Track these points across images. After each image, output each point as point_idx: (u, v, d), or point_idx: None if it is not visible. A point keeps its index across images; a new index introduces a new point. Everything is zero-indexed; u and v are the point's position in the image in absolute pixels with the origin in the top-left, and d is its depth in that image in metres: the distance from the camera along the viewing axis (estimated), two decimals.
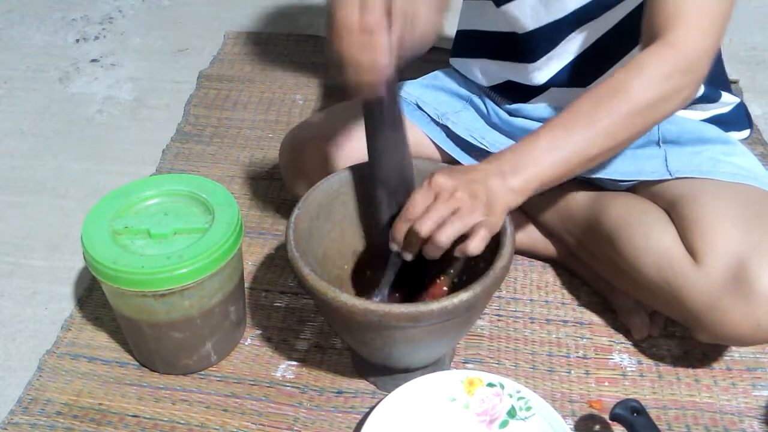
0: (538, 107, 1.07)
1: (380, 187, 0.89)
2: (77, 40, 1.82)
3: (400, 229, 0.82)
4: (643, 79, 0.84)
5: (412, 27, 0.76)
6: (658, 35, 0.85)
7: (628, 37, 0.97)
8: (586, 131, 0.84)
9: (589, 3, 0.95)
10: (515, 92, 1.09)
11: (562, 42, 1.00)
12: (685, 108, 0.91)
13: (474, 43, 1.12)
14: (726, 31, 0.86)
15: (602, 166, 1.02)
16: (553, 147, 0.84)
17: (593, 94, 0.85)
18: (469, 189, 0.80)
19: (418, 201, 0.81)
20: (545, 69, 1.03)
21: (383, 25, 0.74)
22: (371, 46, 0.74)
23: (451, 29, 1.18)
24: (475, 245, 0.80)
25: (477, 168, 0.84)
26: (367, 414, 0.90)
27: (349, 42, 0.74)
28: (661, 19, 0.85)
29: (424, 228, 0.79)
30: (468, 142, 1.11)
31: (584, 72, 1.01)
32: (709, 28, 0.84)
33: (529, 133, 0.86)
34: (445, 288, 0.96)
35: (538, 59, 1.02)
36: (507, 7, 1.00)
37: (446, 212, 0.79)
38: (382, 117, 0.84)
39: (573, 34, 0.99)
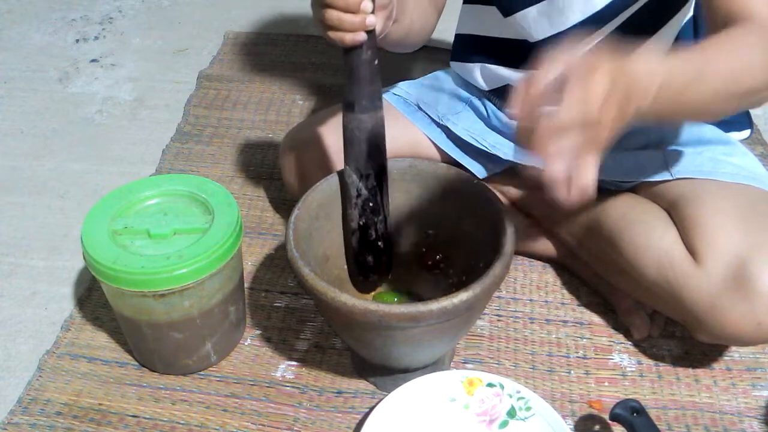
0: None
1: (349, 151, 0.89)
2: (77, 41, 1.82)
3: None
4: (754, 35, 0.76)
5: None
6: (733, 23, 0.78)
7: (628, 36, 0.97)
8: (731, 60, 0.75)
9: (591, 16, 0.95)
10: None
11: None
12: None
13: (474, 47, 1.12)
14: None
15: (604, 167, 1.01)
16: (692, 62, 0.73)
17: (717, 40, 0.76)
18: (619, 106, 0.66)
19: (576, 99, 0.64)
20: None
21: None
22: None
23: (450, 32, 1.18)
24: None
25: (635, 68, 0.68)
26: (367, 414, 0.90)
27: None
28: (731, 6, 0.79)
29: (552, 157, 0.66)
30: (468, 143, 1.11)
31: None
32: None
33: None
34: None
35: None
36: (513, 18, 1.00)
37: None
38: (360, 66, 0.83)
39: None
